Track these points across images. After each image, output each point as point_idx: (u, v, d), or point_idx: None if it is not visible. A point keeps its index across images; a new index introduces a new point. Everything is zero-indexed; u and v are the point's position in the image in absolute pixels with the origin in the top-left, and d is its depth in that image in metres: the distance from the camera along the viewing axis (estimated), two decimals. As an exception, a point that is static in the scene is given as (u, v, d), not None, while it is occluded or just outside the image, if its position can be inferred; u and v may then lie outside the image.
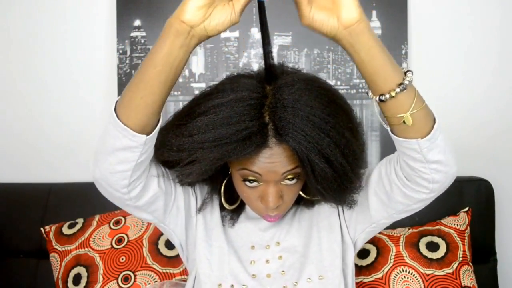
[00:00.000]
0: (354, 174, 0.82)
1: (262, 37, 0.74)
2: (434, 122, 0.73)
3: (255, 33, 1.48)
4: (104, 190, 0.78)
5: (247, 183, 0.82)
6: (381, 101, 0.70)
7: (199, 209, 0.91)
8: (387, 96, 0.69)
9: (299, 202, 0.95)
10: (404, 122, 0.70)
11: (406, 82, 0.69)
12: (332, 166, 0.76)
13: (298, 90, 0.75)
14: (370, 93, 0.72)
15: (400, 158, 0.77)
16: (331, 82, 1.48)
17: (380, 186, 0.84)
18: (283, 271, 0.89)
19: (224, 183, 0.89)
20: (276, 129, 0.74)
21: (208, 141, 0.74)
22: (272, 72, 0.78)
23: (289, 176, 0.80)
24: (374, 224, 0.90)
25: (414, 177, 0.77)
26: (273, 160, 0.77)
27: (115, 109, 0.71)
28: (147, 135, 0.72)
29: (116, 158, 0.72)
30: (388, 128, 0.76)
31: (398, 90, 0.68)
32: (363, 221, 0.91)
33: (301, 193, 0.89)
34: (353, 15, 0.64)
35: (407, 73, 0.70)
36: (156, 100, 0.70)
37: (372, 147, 1.48)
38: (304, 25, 0.67)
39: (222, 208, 0.93)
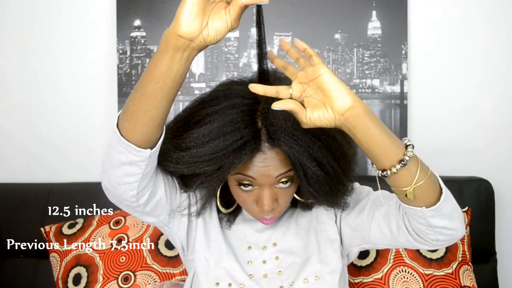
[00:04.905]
0: (346, 177, 0.83)
1: (258, 42, 0.74)
2: (441, 191, 0.73)
3: (255, 33, 1.48)
4: (113, 197, 0.79)
5: (242, 187, 0.83)
6: (384, 176, 0.71)
7: (199, 213, 0.92)
8: (388, 172, 0.70)
9: (296, 205, 0.96)
10: (406, 195, 0.72)
11: (407, 158, 0.69)
12: (323, 169, 0.78)
13: None
14: (374, 166, 0.73)
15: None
16: (331, 82, 1.48)
17: (386, 224, 0.85)
18: (279, 271, 0.90)
19: (220, 187, 0.90)
20: (269, 134, 0.76)
21: (205, 155, 0.75)
22: (265, 78, 0.79)
23: (283, 180, 0.81)
24: (371, 244, 0.91)
25: (419, 232, 0.78)
26: (266, 164, 0.78)
27: (117, 124, 0.71)
28: (151, 148, 0.72)
29: (123, 172, 0.73)
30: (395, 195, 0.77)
31: (398, 166, 0.69)
32: (361, 238, 0.91)
33: (296, 196, 0.90)
34: (345, 102, 0.65)
35: (408, 147, 0.70)
36: (160, 113, 0.70)
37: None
38: (306, 127, 0.69)
39: (219, 210, 0.94)
